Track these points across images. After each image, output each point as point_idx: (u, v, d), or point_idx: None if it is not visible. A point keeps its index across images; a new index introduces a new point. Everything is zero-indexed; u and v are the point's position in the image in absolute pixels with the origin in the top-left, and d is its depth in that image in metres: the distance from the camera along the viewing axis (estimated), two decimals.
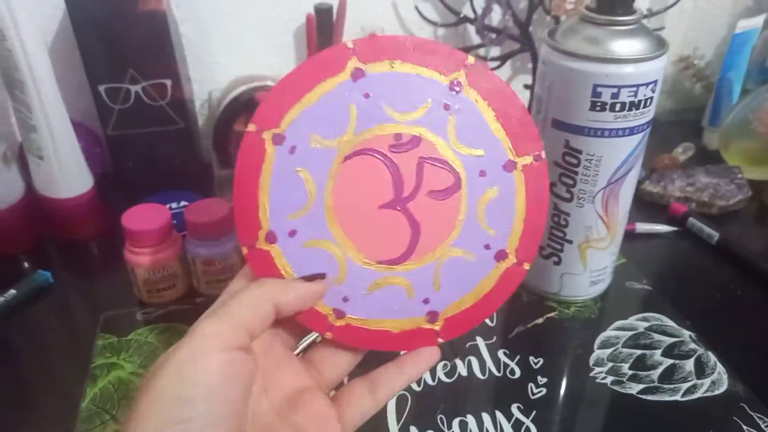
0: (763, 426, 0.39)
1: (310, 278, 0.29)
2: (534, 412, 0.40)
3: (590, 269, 0.47)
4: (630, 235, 0.56)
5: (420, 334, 0.31)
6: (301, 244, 0.30)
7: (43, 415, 0.41)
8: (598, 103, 0.40)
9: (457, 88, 0.30)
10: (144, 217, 0.48)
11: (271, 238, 0.29)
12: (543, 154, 0.31)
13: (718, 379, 0.42)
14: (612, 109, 0.40)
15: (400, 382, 0.31)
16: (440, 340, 0.31)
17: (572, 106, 0.41)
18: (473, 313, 0.31)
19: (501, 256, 0.31)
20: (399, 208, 0.30)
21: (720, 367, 0.43)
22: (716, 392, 0.41)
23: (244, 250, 0.29)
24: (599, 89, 0.39)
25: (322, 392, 0.30)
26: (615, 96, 0.40)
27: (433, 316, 0.31)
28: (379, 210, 0.30)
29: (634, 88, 0.39)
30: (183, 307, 0.49)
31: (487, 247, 0.31)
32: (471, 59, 0.30)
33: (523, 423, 0.39)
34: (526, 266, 0.31)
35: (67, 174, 0.56)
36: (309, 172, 0.29)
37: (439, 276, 0.31)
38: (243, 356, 0.26)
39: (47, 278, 0.52)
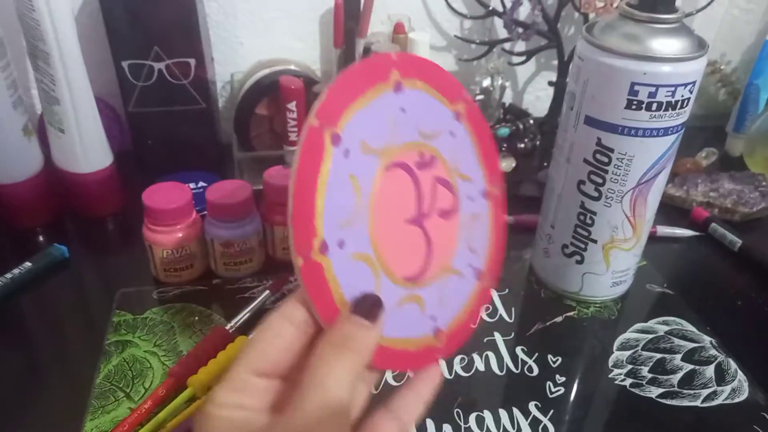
0: None
1: (368, 310, 0.26)
2: (552, 410, 0.40)
3: (613, 270, 0.47)
4: (651, 238, 0.56)
5: (428, 352, 0.30)
6: (347, 255, 0.27)
7: (55, 390, 0.41)
8: (635, 102, 0.39)
9: (459, 118, 0.31)
10: (165, 196, 0.47)
11: (324, 248, 0.26)
12: (502, 186, 0.33)
13: (739, 387, 0.42)
14: (648, 108, 0.39)
15: (419, 406, 0.29)
16: (440, 358, 0.30)
17: (607, 103, 0.40)
18: (462, 330, 0.31)
19: (480, 276, 0.32)
20: (419, 225, 0.30)
21: (741, 375, 0.43)
22: (737, 400, 0.41)
23: (299, 262, 0.25)
24: (636, 87, 0.39)
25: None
26: (652, 95, 0.39)
27: (438, 334, 0.30)
28: (405, 225, 0.29)
29: (672, 88, 0.39)
30: (199, 288, 0.49)
31: (470, 265, 0.32)
32: (466, 93, 0.32)
33: (541, 421, 0.39)
34: (493, 285, 0.33)
35: (88, 148, 0.55)
36: (358, 179, 0.27)
37: (443, 293, 0.30)
38: None
39: (63, 252, 0.52)
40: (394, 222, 0.29)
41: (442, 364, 0.33)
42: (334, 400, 0.22)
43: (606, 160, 0.42)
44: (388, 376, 0.40)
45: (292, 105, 0.59)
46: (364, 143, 0.28)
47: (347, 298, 0.26)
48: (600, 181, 0.43)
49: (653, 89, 0.39)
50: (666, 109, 0.39)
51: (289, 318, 0.25)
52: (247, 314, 0.45)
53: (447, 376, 0.42)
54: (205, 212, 0.49)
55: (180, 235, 0.48)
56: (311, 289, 0.25)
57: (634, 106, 0.39)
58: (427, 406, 0.29)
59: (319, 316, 0.26)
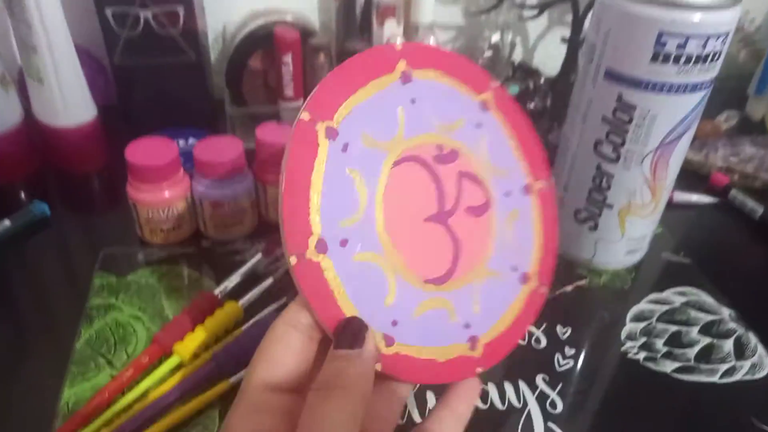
0: None
1: (352, 337, 0.23)
2: (560, 384, 0.37)
3: (628, 237, 0.44)
4: (667, 204, 0.53)
5: (462, 362, 0.27)
6: (352, 255, 0.25)
7: (33, 356, 0.38)
8: (662, 54, 0.36)
9: (486, 107, 0.29)
10: (149, 152, 0.44)
11: (321, 246, 0.25)
12: (552, 181, 0.31)
13: (759, 363, 0.39)
14: (676, 61, 0.36)
15: (457, 425, 0.26)
16: (479, 370, 0.28)
17: (631, 55, 0.36)
18: (507, 338, 0.28)
19: (525, 278, 0.30)
20: (442, 223, 0.28)
21: (761, 350, 0.40)
22: (757, 376, 0.39)
23: (293, 260, 0.24)
24: (665, 38, 0.35)
25: None
26: (681, 47, 0.35)
27: (473, 342, 0.28)
28: (425, 223, 0.27)
29: (704, 39, 0.35)
30: (187, 250, 0.46)
31: (514, 268, 0.29)
32: (495, 82, 0.30)
33: (549, 396, 0.37)
34: (544, 290, 0.30)
35: (69, 100, 0.52)
36: (361, 175, 0.26)
37: (479, 298, 0.28)
38: None
39: (44, 210, 0.49)
40: (411, 220, 0.27)
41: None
42: None
43: (627, 118, 0.38)
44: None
45: (287, 58, 0.55)
46: (367, 136, 0.26)
47: (353, 301, 0.25)
48: (619, 141, 0.39)
49: (683, 40, 0.35)
50: (696, 63, 0.36)
51: (294, 324, 0.24)
52: (237, 279, 0.42)
53: None
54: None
55: (166, 194, 0.45)
56: (307, 290, 0.24)
57: (661, 59, 0.36)
58: (465, 424, 0.26)
59: (319, 319, 0.24)
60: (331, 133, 0.25)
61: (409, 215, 0.27)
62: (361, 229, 0.26)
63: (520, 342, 0.39)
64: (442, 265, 0.27)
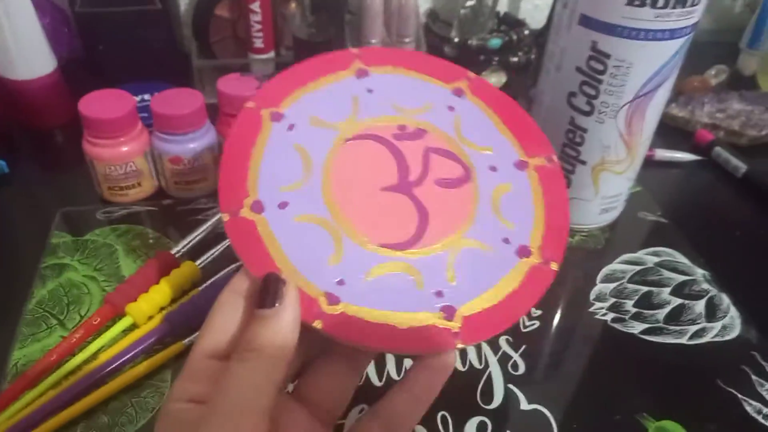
0: None
1: (270, 294, 0.22)
2: (524, 346, 0.36)
3: (602, 195, 0.42)
4: (648, 162, 0.51)
5: (434, 333, 0.25)
6: (292, 217, 0.26)
7: None
8: None
9: (460, 94, 0.31)
10: (105, 104, 0.42)
11: (257, 207, 0.26)
12: (555, 157, 0.30)
13: (730, 324, 0.38)
14: (654, 4, 0.33)
15: (417, 410, 0.24)
16: (459, 344, 0.25)
17: None
18: (497, 313, 0.26)
19: (523, 252, 0.28)
20: (405, 192, 0.28)
21: (733, 311, 0.39)
22: (726, 338, 0.38)
23: (225, 217, 0.25)
24: None
25: None
26: None
27: (449, 313, 0.26)
28: (383, 192, 0.27)
29: None
30: (148, 208, 0.45)
31: (506, 240, 0.28)
32: (471, 74, 0.31)
33: (511, 357, 0.36)
34: (554, 266, 0.28)
35: (26, 52, 0.49)
36: (306, 148, 0.27)
37: (453, 267, 0.27)
38: None
39: (1, 167, 0.47)
40: (365, 188, 0.27)
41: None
42: (243, 413, 0.20)
43: (601, 68, 0.36)
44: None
45: (255, 6, 0.53)
46: (315, 118, 0.28)
47: (291, 258, 0.25)
48: (593, 93, 0.37)
49: None
50: (675, 6, 0.33)
51: (239, 291, 0.23)
52: (197, 237, 0.41)
53: None
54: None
55: (124, 149, 0.43)
56: (240, 248, 0.25)
57: (637, 2, 0.33)
58: (425, 408, 0.24)
59: (250, 272, 0.24)
60: (276, 117, 0.28)
61: (362, 184, 0.27)
62: (303, 193, 0.26)
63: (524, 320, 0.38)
64: (403, 231, 0.27)
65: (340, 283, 0.25)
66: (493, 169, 0.29)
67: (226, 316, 0.23)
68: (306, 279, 0.25)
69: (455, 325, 0.25)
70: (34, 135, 0.53)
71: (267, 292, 0.22)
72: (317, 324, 0.24)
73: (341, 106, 0.29)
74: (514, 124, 0.30)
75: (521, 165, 0.30)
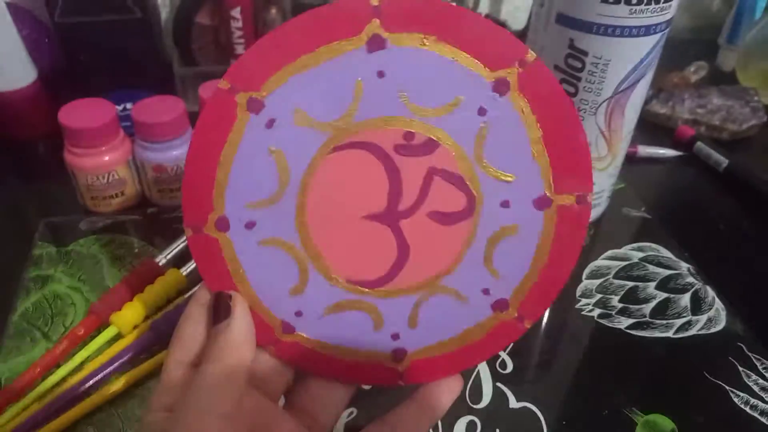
0: (760, 368, 0.36)
1: (221, 309, 0.24)
2: (511, 344, 0.36)
3: None
4: (631, 159, 0.52)
5: (379, 370, 0.26)
6: (257, 240, 0.24)
7: None
8: None
9: (503, 89, 0.22)
10: (85, 114, 0.42)
11: (222, 224, 0.23)
12: (590, 197, 0.23)
13: (716, 316, 0.39)
14: (628, 1, 0.34)
15: (424, 424, 0.25)
16: (401, 383, 0.26)
17: None
18: (447, 361, 0.25)
19: (499, 306, 0.25)
20: (389, 224, 0.24)
21: (718, 304, 0.40)
22: (712, 330, 0.38)
23: (188, 233, 0.24)
24: None
25: None
26: None
27: (398, 354, 0.25)
28: (363, 221, 0.24)
29: None
30: (132, 217, 0.45)
31: (485, 292, 0.25)
32: (531, 55, 0.22)
33: (499, 356, 0.36)
34: (527, 324, 0.25)
35: (3, 63, 0.49)
36: (285, 155, 0.23)
37: (418, 312, 0.25)
38: None
39: None
40: (344, 215, 0.24)
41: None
42: (206, 417, 0.21)
43: (579, 65, 0.37)
44: None
45: (236, 12, 0.53)
46: (300, 113, 0.23)
47: (252, 283, 0.24)
48: (572, 90, 0.38)
49: None
50: (648, 2, 0.34)
51: (203, 303, 0.24)
52: (181, 245, 0.40)
53: None
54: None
55: (105, 158, 0.42)
56: (202, 264, 0.24)
57: None
58: (434, 421, 0.26)
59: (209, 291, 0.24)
60: (254, 106, 0.22)
61: (342, 209, 0.24)
62: (274, 214, 0.23)
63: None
64: (375, 269, 0.24)
65: (298, 314, 0.25)
66: (505, 204, 0.24)
67: (193, 327, 0.24)
68: (264, 306, 0.25)
69: (402, 366, 0.26)
70: (15, 146, 0.52)
71: (219, 309, 0.23)
72: (270, 349, 0.25)
73: (338, 96, 0.22)
74: (556, 142, 0.23)
75: (542, 203, 0.23)
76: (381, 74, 0.22)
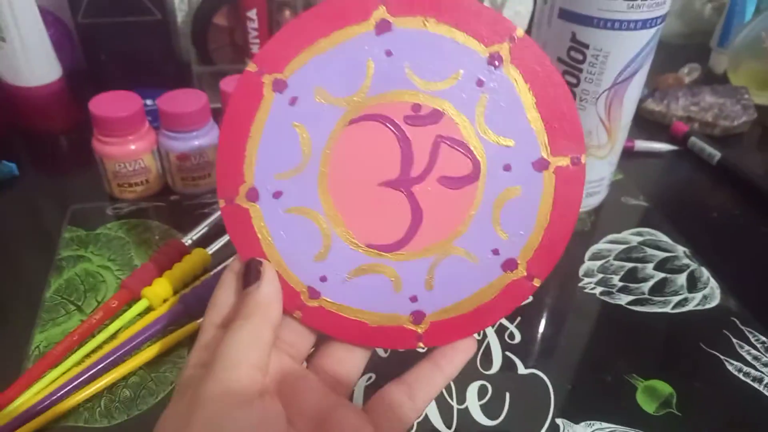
0: (753, 340, 0.38)
1: (252, 274, 0.26)
2: (519, 317, 0.39)
3: (587, 179, 0.45)
4: (629, 153, 0.54)
5: (400, 333, 0.27)
6: (284, 208, 0.26)
7: (3, 306, 0.39)
8: None
9: (497, 63, 0.25)
10: (114, 104, 0.44)
11: (252, 195, 0.26)
12: (583, 158, 0.26)
13: (710, 294, 0.41)
14: None
15: (438, 382, 0.27)
16: (421, 346, 0.27)
17: None
18: (464, 322, 0.27)
19: (509, 265, 0.26)
20: (403, 190, 0.26)
21: (713, 283, 0.42)
22: (707, 306, 0.40)
23: (222, 203, 0.26)
24: None
25: (350, 405, 0.27)
26: None
27: (418, 317, 0.27)
28: (379, 188, 0.26)
29: None
30: (156, 204, 0.47)
31: (495, 252, 0.26)
32: (520, 32, 0.25)
33: (507, 328, 0.38)
34: (536, 282, 0.27)
35: (32, 60, 0.52)
36: (307, 129, 0.25)
37: (434, 274, 0.27)
38: (266, 403, 0.23)
39: (11, 170, 0.49)
40: (362, 182, 0.26)
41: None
42: (235, 377, 0.23)
43: (580, 57, 0.39)
44: None
45: (252, 13, 0.55)
46: (321, 90, 0.25)
47: (280, 250, 0.26)
48: (574, 81, 0.40)
49: None
50: None
51: (236, 270, 0.26)
52: (206, 228, 0.43)
53: None
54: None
55: (132, 146, 0.45)
56: (234, 234, 0.26)
57: None
58: (449, 379, 0.28)
59: (243, 261, 0.26)
60: (279, 86, 0.25)
61: (360, 177, 0.26)
62: (298, 183, 0.26)
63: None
64: (392, 233, 0.26)
65: (323, 279, 0.27)
66: (507, 168, 0.26)
67: (227, 292, 0.26)
68: (291, 272, 0.27)
69: (421, 328, 0.27)
70: (42, 140, 0.55)
71: (249, 273, 0.26)
72: (297, 315, 0.27)
73: (352, 74, 0.25)
74: (549, 108, 0.25)
75: (540, 165, 0.26)
76: (389, 53, 0.25)
